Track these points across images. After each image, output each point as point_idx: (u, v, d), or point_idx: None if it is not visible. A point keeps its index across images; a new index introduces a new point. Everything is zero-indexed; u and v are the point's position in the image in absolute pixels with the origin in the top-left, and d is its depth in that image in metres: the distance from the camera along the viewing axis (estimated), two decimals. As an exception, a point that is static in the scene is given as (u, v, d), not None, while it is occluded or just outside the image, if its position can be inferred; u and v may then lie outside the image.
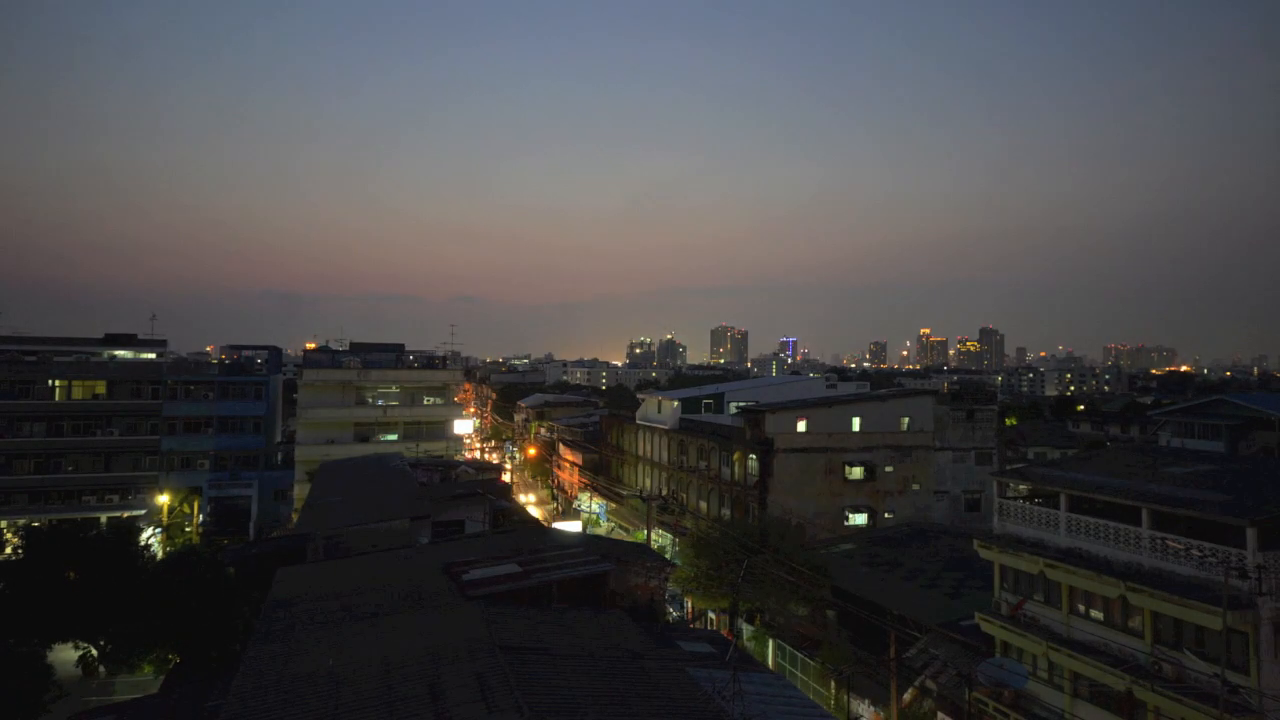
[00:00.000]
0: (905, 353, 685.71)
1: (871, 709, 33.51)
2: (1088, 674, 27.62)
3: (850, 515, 53.36)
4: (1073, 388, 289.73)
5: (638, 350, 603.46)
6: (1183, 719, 24.23)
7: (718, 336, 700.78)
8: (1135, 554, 26.92)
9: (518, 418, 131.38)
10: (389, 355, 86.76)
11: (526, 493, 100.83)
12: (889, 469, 54.49)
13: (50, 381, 76.23)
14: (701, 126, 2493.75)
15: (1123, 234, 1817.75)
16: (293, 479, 72.78)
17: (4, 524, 71.85)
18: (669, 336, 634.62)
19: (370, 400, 79.03)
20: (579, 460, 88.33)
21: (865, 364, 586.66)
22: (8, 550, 64.00)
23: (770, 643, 41.31)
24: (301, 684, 18.37)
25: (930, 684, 32.66)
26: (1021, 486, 34.26)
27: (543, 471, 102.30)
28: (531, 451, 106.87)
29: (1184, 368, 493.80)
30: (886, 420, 56.14)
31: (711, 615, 47.23)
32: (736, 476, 55.82)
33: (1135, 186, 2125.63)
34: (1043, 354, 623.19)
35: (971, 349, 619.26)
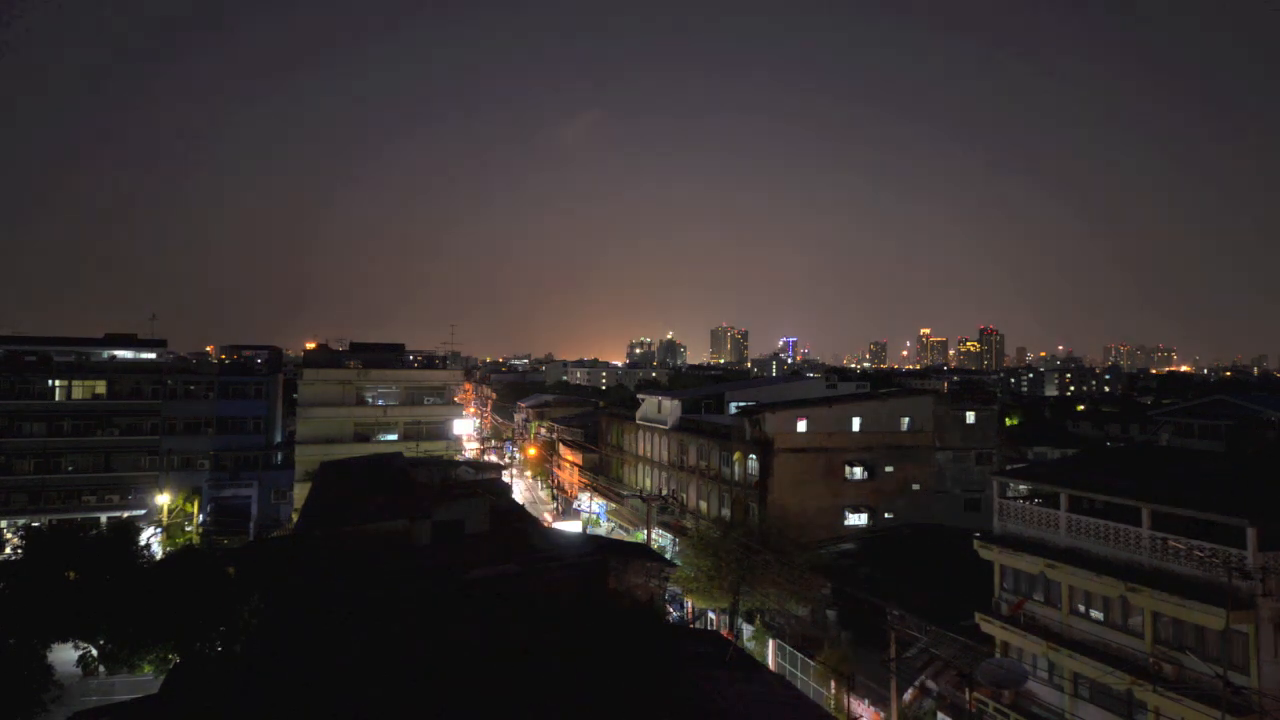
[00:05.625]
0: (905, 353, 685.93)
1: (871, 709, 33.51)
2: (1088, 674, 27.61)
3: (850, 515, 53.31)
4: (1073, 388, 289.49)
5: (638, 350, 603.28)
6: (1183, 719, 24.24)
7: (718, 336, 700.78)
8: (1135, 554, 26.91)
9: (518, 418, 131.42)
10: (389, 355, 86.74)
11: (526, 493, 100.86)
12: (889, 469, 54.44)
13: (50, 381, 76.25)
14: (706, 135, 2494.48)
15: (1123, 234, 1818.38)
16: (293, 479, 72.74)
17: (4, 524, 71.90)
18: (669, 336, 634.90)
19: (370, 400, 79.02)
20: (579, 460, 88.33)
21: (865, 364, 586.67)
22: (8, 550, 64.06)
23: (770, 643, 41.30)
24: (303, 683, 18.36)
25: (930, 684, 32.67)
26: (1021, 486, 34.25)
27: (543, 471, 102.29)
28: (531, 451, 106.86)
29: (1184, 368, 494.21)
30: (886, 420, 56.08)
31: (711, 615, 47.22)
32: (736, 476, 55.80)
33: (1135, 186, 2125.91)
34: (1043, 354, 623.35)
35: (971, 349, 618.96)
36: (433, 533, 34.86)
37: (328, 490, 48.05)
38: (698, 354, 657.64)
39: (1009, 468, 53.04)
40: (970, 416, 58.65)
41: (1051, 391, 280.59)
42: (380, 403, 79.20)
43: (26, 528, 56.33)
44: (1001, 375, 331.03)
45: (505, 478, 78.67)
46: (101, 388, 77.41)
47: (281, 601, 28.01)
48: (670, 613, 44.11)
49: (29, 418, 75.13)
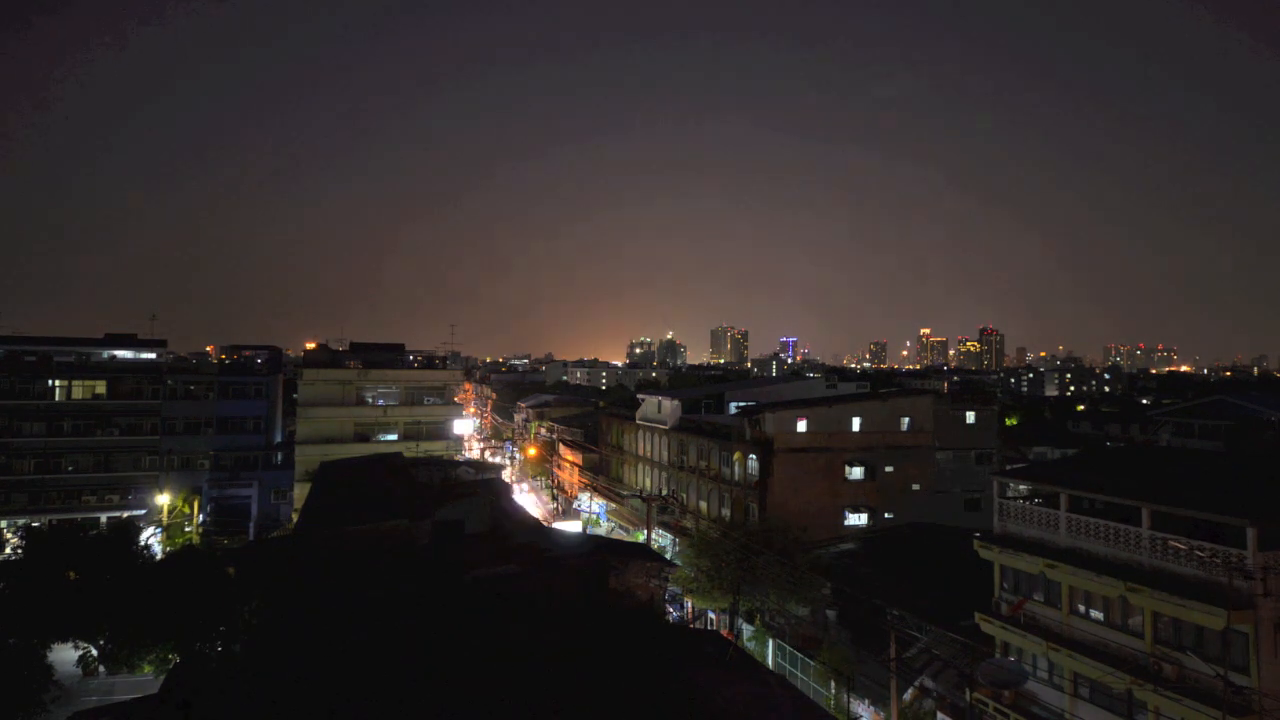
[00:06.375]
0: (905, 353, 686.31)
1: (871, 709, 33.51)
2: (1088, 674, 27.61)
3: (850, 515, 53.30)
4: (1073, 388, 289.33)
5: (638, 350, 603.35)
6: (1183, 719, 24.23)
7: (718, 336, 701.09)
8: (1135, 554, 26.91)
9: (518, 418, 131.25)
10: (389, 355, 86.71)
11: (526, 493, 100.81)
12: (889, 469, 54.42)
13: (50, 381, 76.25)
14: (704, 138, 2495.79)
15: (1124, 234, 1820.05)
16: (293, 479, 72.75)
17: (4, 524, 71.92)
18: (669, 336, 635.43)
19: (370, 400, 79.00)
20: (579, 460, 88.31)
21: (865, 364, 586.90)
22: (8, 550, 64.10)
23: (770, 643, 41.29)
24: (303, 684, 18.34)
25: (930, 684, 32.67)
26: (1021, 486, 34.24)
27: (543, 471, 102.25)
28: (531, 451, 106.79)
29: (1184, 368, 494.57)
30: (886, 420, 56.06)
31: (711, 615, 47.22)
32: (736, 476, 55.79)
33: (1136, 185, 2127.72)
34: (1043, 354, 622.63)
35: (971, 349, 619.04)
36: (433, 533, 34.90)
37: (328, 490, 48.06)
38: (698, 354, 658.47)
39: (1009, 468, 53.05)
40: (970, 416, 58.68)
41: (1051, 391, 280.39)
42: (380, 403, 79.18)
43: (26, 528, 56.47)
44: (1001, 375, 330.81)
45: (505, 478, 78.74)
46: (101, 388, 77.41)
47: (281, 601, 28.02)
48: (670, 613, 44.10)
49: (29, 418, 75.11)
